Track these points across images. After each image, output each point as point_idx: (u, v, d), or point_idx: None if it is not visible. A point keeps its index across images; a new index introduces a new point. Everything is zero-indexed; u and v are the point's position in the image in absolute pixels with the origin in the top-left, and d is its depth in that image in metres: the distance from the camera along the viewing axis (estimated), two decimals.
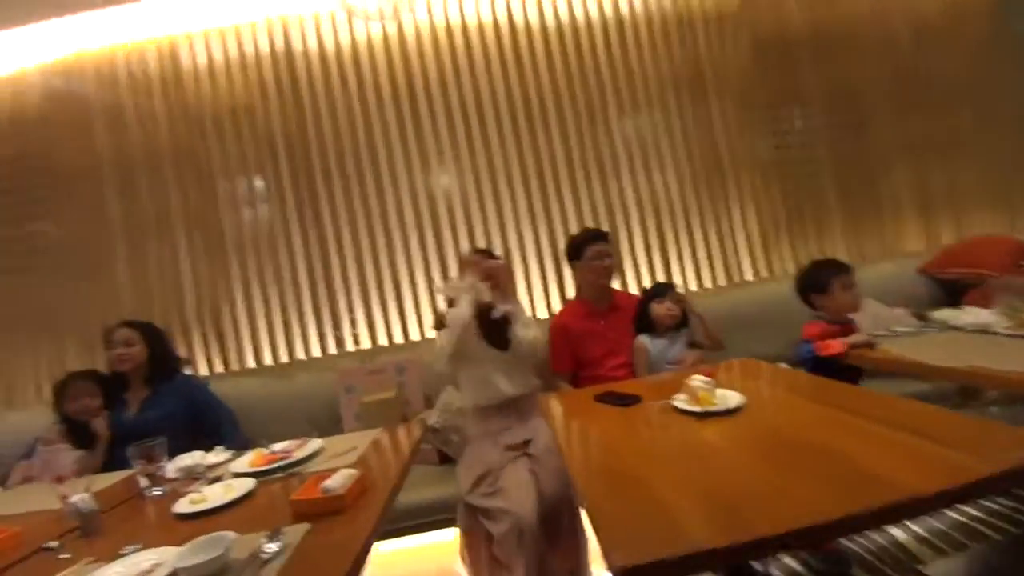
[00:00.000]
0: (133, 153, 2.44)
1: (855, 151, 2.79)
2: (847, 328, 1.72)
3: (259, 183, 2.46)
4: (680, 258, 2.62)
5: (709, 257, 2.64)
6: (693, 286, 2.62)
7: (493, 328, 1.62)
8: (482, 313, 1.59)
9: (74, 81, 2.44)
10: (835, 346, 1.61)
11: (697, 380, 1.24)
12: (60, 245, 2.43)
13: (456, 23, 2.52)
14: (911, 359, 1.42)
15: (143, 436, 1.31)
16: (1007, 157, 2.90)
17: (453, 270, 2.47)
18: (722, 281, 2.64)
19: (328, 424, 2.04)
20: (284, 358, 2.41)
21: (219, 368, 2.41)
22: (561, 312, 2.12)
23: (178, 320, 2.40)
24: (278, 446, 1.40)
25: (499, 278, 1.63)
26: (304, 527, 0.92)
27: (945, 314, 1.75)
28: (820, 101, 2.77)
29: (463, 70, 2.52)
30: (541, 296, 2.52)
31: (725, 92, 2.68)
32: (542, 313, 2.50)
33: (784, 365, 2.39)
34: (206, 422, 1.86)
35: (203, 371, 2.39)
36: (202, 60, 2.45)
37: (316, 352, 2.43)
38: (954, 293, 2.45)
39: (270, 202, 2.45)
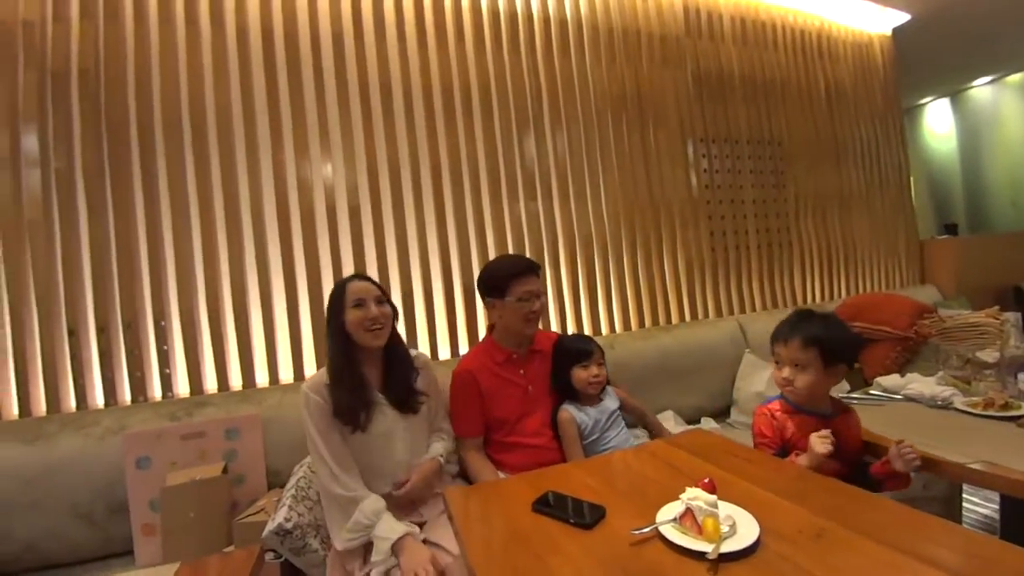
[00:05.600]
0: None
1: (775, 197, 2.78)
2: None
3: (30, 138, 1.59)
4: (608, 296, 2.29)
5: (637, 297, 2.35)
6: (619, 328, 2.30)
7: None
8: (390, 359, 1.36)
9: None
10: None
11: (696, 496, 0.82)
12: None
13: None
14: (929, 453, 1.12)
15: None
16: (889, 217, 3.23)
17: (326, 294, 1.81)
18: (648, 323, 2.37)
19: (105, 516, 1.42)
20: (40, 410, 1.53)
21: None
22: (468, 357, 1.55)
23: None
24: None
25: None
26: None
27: (891, 382, 1.63)
28: (748, 143, 2.72)
29: (367, 32, 1.94)
30: (445, 333, 1.98)
31: (663, 118, 2.48)
32: (444, 354, 1.97)
33: (713, 424, 2.19)
34: None
35: None
36: None
37: (98, 401, 1.58)
38: None
39: (45, 166, 1.58)
